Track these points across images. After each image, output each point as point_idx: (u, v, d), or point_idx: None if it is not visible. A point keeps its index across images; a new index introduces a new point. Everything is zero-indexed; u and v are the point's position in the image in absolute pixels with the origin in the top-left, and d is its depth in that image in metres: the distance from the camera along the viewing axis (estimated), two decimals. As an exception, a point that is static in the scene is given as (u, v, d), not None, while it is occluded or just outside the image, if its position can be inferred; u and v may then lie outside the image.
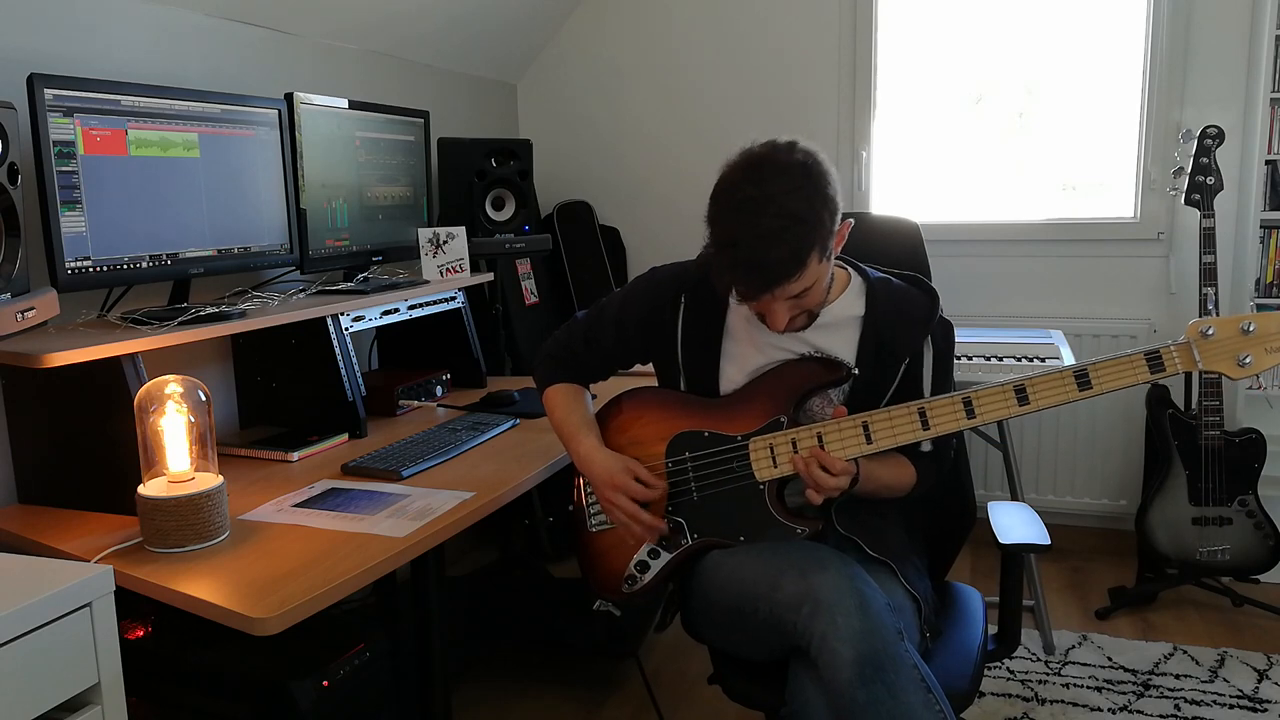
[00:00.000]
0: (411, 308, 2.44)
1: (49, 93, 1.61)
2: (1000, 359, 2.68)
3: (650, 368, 1.75)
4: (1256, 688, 2.39)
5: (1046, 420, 3.29)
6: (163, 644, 1.67)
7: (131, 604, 1.43)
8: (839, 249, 1.53)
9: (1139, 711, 2.30)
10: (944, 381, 1.62)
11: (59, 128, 1.63)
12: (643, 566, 1.62)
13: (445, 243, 2.58)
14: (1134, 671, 2.48)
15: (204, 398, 1.54)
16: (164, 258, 1.85)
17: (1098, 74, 3.23)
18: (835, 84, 3.42)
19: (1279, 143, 2.89)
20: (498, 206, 2.86)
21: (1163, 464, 2.76)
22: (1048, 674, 2.48)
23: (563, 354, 1.78)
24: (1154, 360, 1.43)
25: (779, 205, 1.40)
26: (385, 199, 2.52)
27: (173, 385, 1.52)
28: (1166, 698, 2.36)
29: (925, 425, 1.50)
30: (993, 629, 1.68)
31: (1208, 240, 2.68)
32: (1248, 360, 1.41)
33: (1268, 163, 2.89)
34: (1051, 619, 2.72)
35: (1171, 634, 2.69)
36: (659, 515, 1.60)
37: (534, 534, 3.02)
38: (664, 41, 3.59)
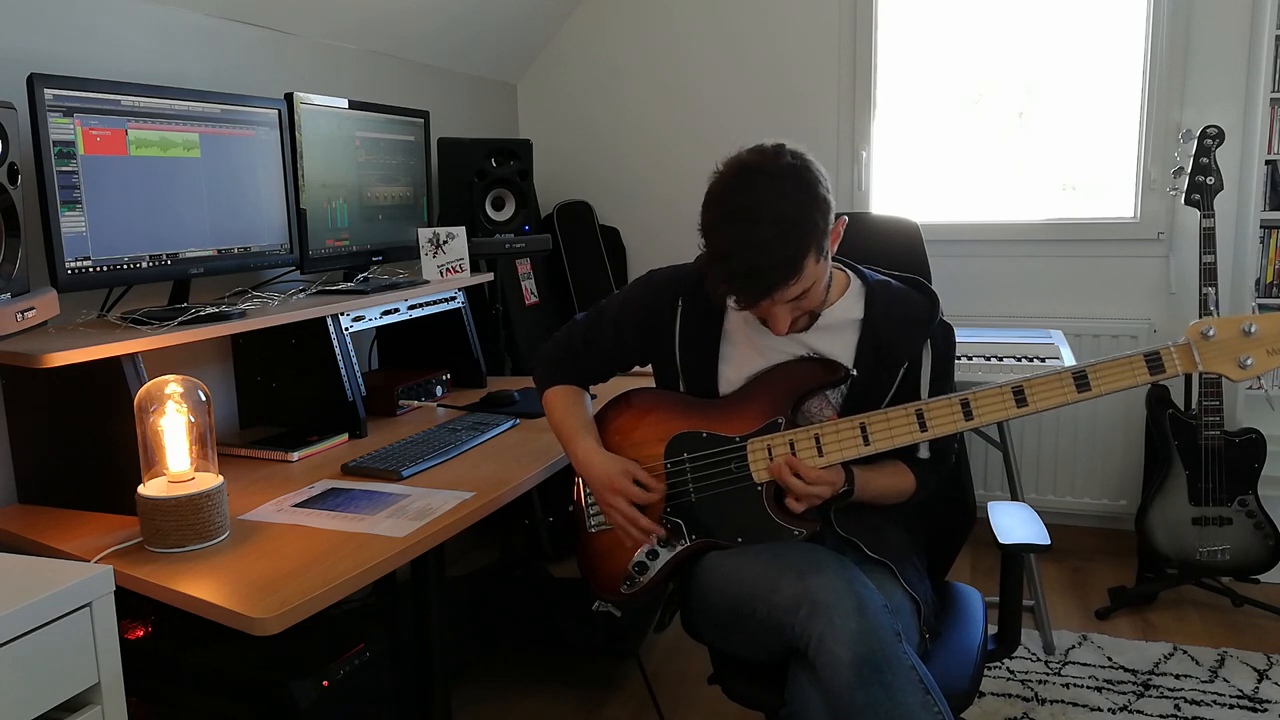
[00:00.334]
0: (411, 308, 2.44)
1: (49, 93, 1.61)
2: (1000, 359, 2.68)
3: (649, 369, 1.75)
4: (1256, 688, 2.39)
5: (1046, 420, 3.29)
6: (163, 644, 1.67)
7: (131, 604, 1.43)
8: (835, 247, 1.53)
9: (1139, 711, 2.30)
10: (943, 384, 1.62)
11: (59, 128, 1.63)
12: (642, 567, 1.62)
13: (445, 243, 2.58)
14: (1134, 671, 2.48)
15: (204, 398, 1.54)
16: (164, 258, 1.85)
17: (1098, 74, 3.22)
18: (835, 84, 3.42)
19: (1279, 143, 2.89)
20: (498, 206, 2.86)
21: (1163, 464, 2.76)
22: (1048, 674, 2.48)
23: (562, 355, 1.78)
24: (1154, 361, 1.43)
25: (771, 212, 1.40)
26: (385, 199, 2.52)
27: (173, 385, 1.52)
28: (1166, 698, 2.36)
29: (923, 427, 1.50)
30: (993, 629, 1.68)
31: (1208, 240, 2.68)
32: (1249, 362, 1.41)
33: (1268, 163, 2.89)
34: (1051, 619, 2.72)
35: (1171, 634, 2.69)
36: (657, 518, 1.60)
37: (534, 534, 3.02)
38: (664, 41, 3.59)
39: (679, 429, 1.62)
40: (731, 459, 1.58)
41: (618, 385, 1.80)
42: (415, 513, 1.62)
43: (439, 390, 2.53)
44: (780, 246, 1.40)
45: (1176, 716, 2.28)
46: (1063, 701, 2.35)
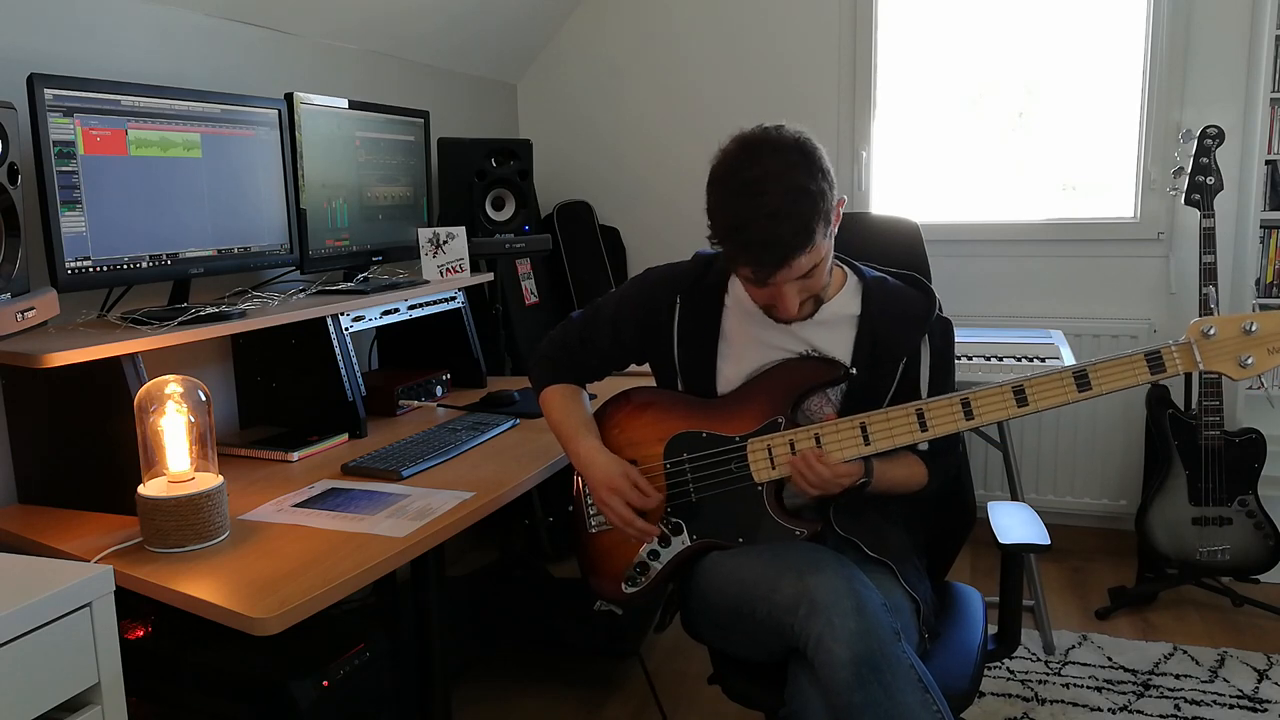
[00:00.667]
0: (411, 308, 2.44)
1: (49, 93, 1.61)
2: (1000, 359, 2.68)
3: (647, 368, 1.75)
4: (1256, 688, 2.39)
5: (1046, 420, 3.29)
6: (163, 644, 1.67)
7: (131, 604, 1.43)
8: (836, 227, 1.53)
9: (1139, 711, 2.30)
10: (943, 380, 1.62)
11: (59, 128, 1.63)
12: (643, 567, 1.62)
13: (445, 243, 2.58)
14: (1134, 671, 2.48)
15: (204, 398, 1.54)
16: (164, 258, 1.85)
17: (1098, 74, 3.22)
18: (835, 84, 3.42)
19: (1279, 143, 2.89)
20: (498, 206, 2.86)
21: (1163, 464, 2.76)
22: (1048, 674, 2.48)
23: (558, 354, 1.78)
24: (1154, 361, 1.42)
25: (781, 181, 1.41)
26: (385, 199, 2.52)
27: (173, 385, 1.52)
28: (1166, 698, 2.36)
29: (924, 426, 1.50)
30: (993, 629, 1.68)
31: (1208, 240, 2.68)
32: (1249, 361, 1.40)
33: (1268, 163, 2.89)
34: (1051, 619, 2.72)
35: (1171, 634, 2.69)
36: (656, 522, 1.60)
37: (534, 534, 3.02)
38: (664, 41, 3.59)
39: (678, 429, 1.62)
40: (731, 459, 1.58)
41: (615, 384, 1.80)
42: (415, 513, 1.62)
43: (439, 390, 2.53)
44: (793, 214, 1.41)
45: (1176, 716, 2.28)
46: (1063, 701, 2.35)
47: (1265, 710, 2.29)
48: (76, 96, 1.66)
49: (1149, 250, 3.21)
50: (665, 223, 3.65)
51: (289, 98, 2.16)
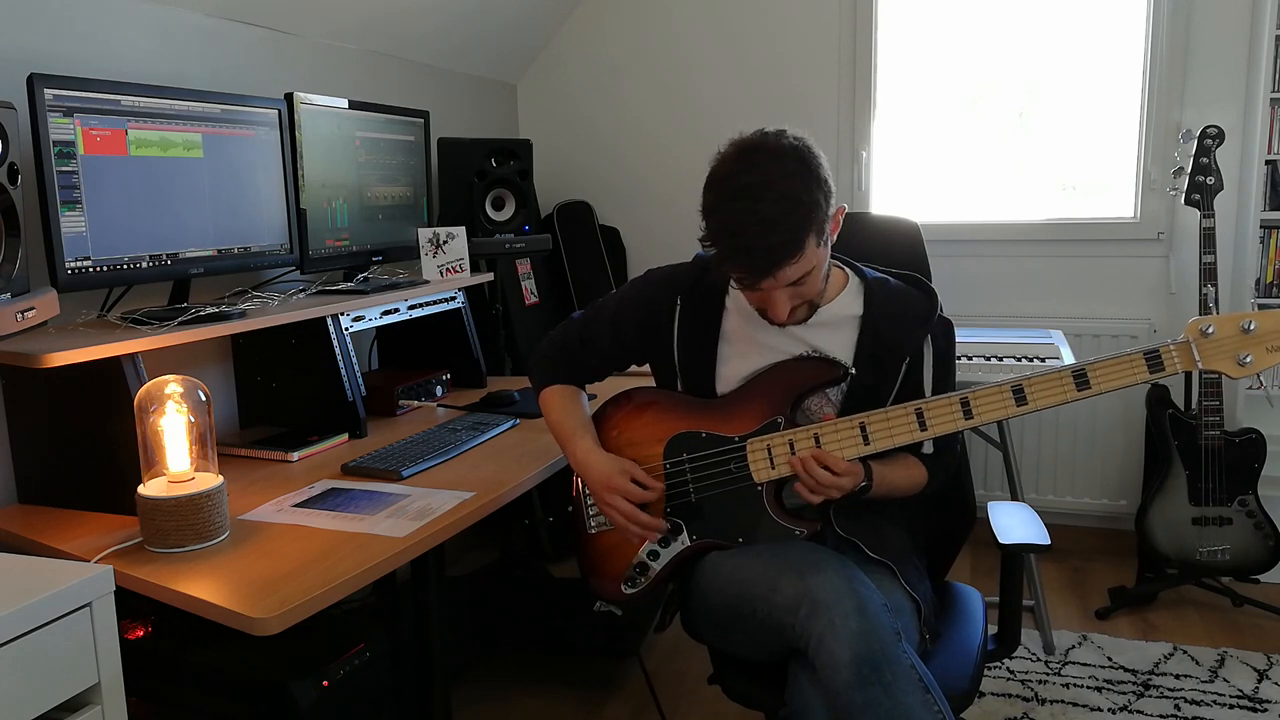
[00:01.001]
0: (411, 308, 2.44)
1: (49, 93, 1.61)
2: (1000, 359, 2.68)
3: (647, 368, 1.75)
4: (1256, 688, 2.39)
5: (1046, 420, 3.29)
6: (163, 644, 1.67)
7: (131, 604, 1.43)
8: (834, 235, 1.53)
9: (1139, 711, 2.30)
10: (945, 381, 1.62)
11: (59, 128, 1.63)
12: (643, 567, 1.62)
13: (445, 243, 2.58)
14: (1134, 671, 2.48)
15: (204, 398, 1.54)
16: (164, 258, 1.85)
17: (1098, 74, 3.22)
18: (835, 84, 3.42)
19: (1279, 143, 2.89)
20: (498, 206, 2.86)
21: (1163, 464, 2.76)
22: (1048, 674, 2.48)
23: (558, 354, 1.78)
24: (1153, 359, 1.42)
25: (775, 189, 1.41)
26: (385, 199, 2.52)
27: (173, 385, 1.52)
28: (1166, 698, 2.36)
29: (923, 426, 1.50)
30: (993, 629, 1.68)
31: (1208, 240, 2.68)
32: (1248, 359, 1.41)
33: (1268, 163, 2.89)
34: (1051, 619, 2.72)
35: (1171, 634, 2.69)
36: (657, 516, 1.60)
37: (534, 534, 3.02)
38: (664, 41, 3.59)
39: (678, 429, 1.62)
40: (731, 459, 1.58)
41: (615, 385, 1.80)
42: (415, 513, 1.62)
43: (439, 390, 2.53)
44: (784, 223, 1.41)
45: (1176, 716, 2.28)
46: (1063, 701, 2.35)
47: (1265, 710, 2.29)
48: (76, 96, 1.66)
49: (1149, 250, 3.21)
50: (665, 223, 3.65)
51: (289, 98, 2.16)
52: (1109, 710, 2.31)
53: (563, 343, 1.78)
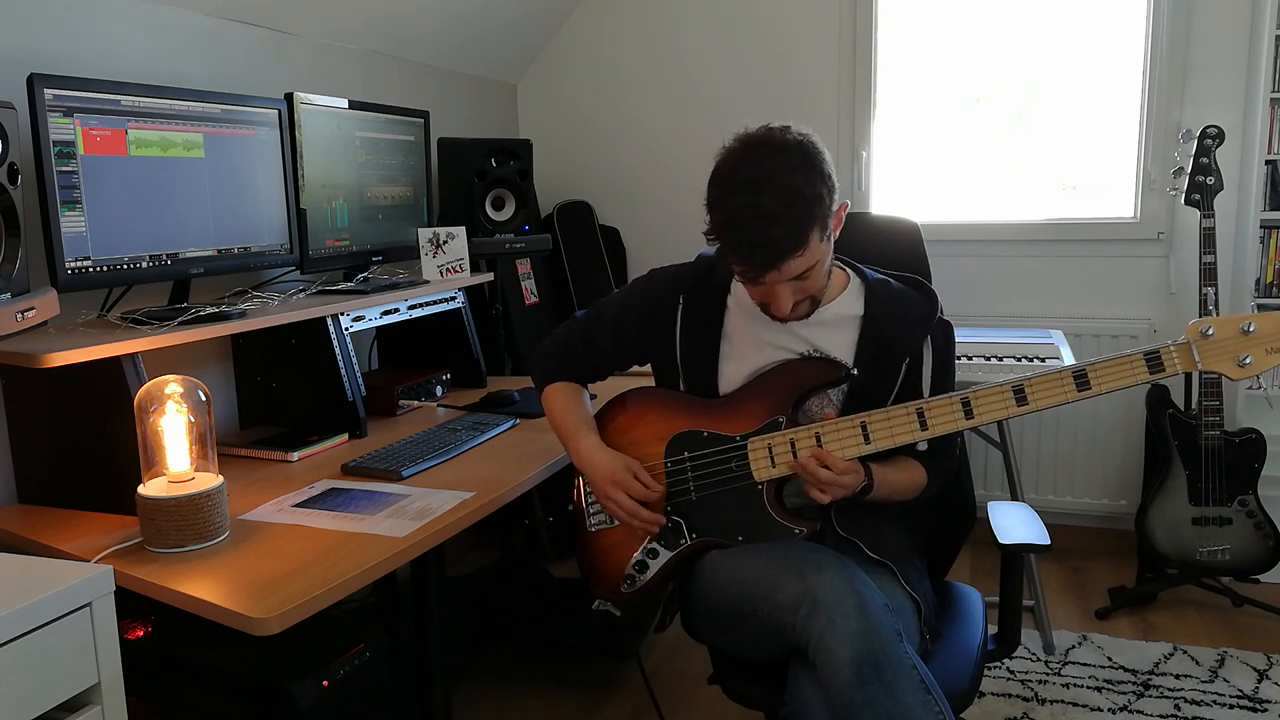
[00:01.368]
0: (411, 308, 2.44)
1: (49, 93, 1.61)
2: (1000, 359, 2.68)
3: (649, 368, 1.75)
4: (1256, 688, 2.39)
5: (1046, 420, 3.29)
6: (163, 644, 1.67)
7: (131, 604, 1.43)
8: (838, 231, 1.53)
9: (1139, 711, 2.30)
10: (944, 382, 1.62)
11: (59, 128, 1.63)
12: (641, 566, 1.62)
13: (445, 243, 2.58)
14: (1134, 671, 2.48)
15: (204, 398, 1.54)
16: (164, 258, 1.85)
17: (1098, 74, 3.22)
18: (835, 84, 3.42)
19: (1279, 143, 2.89)
20: (498, 206, 2.86)
21: (1163, 464, 2.76)
22: (1048, 674, 2.48)
23: (561, 353, 1.78)
24: (1153, 360, 1.43)
25: (779, 184, 1.41)
26: (385, 199, 2.52)
27: (173, 385, 1.52)
28: (1166, 698, 2.36)
29: (924, 426, 1.50)
30: (993, 629, 1.68)
31: (1208, 240, 2.68)
32: (1248, 361, 1.41)
33: (1268, 163, 2.89)
34: (1051, 619, 2.72)
35: (1171, 634, 2.69)
36: (659, 512, 1.60)
37: (534, 534, 3.02)
38: (664, 41, 3.59)
39: (679, 428, 1.62)
40: (732, 458, 1.58)
41: (617, 385, 1.80)
42: (415, 513, 1.62)
43: (439, 390, 2.53)
44: (787, 217, 1.41)
45: (1176, 716, 2.28)
46: (1063, 701, 2.35)
47: (1265, 710, 2.29)
48: (76, 96, 1.66)
49: (1149, 250, 3.21)
50: (665, 223, 3.65)
51: (289, 98, 2.16)
52: (1109, 710, 2.31)
53: (565, 342, 1.78)
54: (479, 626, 2.66)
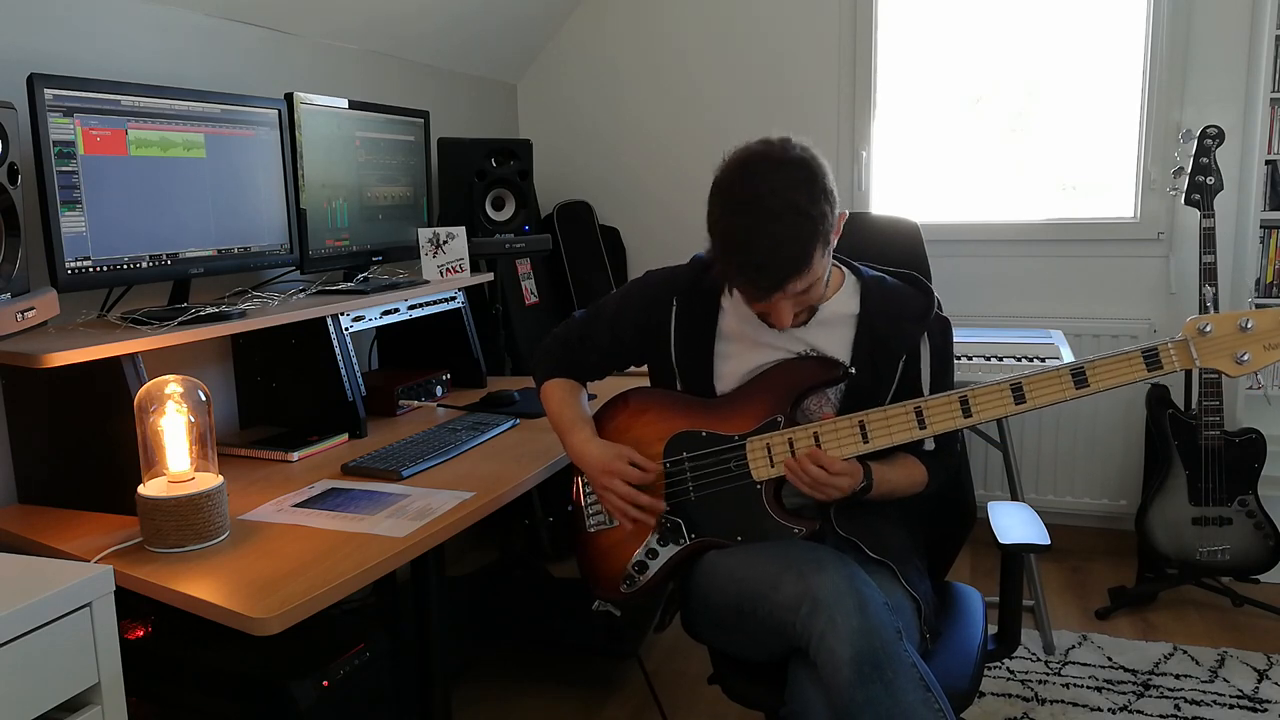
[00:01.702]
0: (411, 308, 2.44)
1: (49, 93, 1.61)
2: (1000, 359, 2.68)
3: (646, 369, 1.75)
4: (1256, 688, 2.39)
5: (1046, 420, 3.29)
6: (163, 644, 1.67)
7: (131, 604, 1.43)
8: (836, 240, 1.53)
9: (1139, 711, 2.30)
10: (943, 379, 1.62)
11: (59, 128, 1.63)
12: (641, 566, 1.62)
13: (445, 243, 2.58)
14: (1134, 671, 2.48)
15: (204, 398, 1.54)
16: (164, 258, 1.85)
17: (1098, 74, 3.22)
18: (835, 84, 3.42)
19: (1279, 143, 2.89)
20: (498, 206, 2.86)
21: (1163, 464, 2.76)
22: (1048, 674, 2.48)
23: (559, 350, 1.79)
24: (1151, 358, 1.43)
25: (782, 201, 1.41)
26: (385, 199, 2.52)
27: (173, 385, 1.52)
28: (1166, 698, 2.36)
29: (922, 424, 1.50)
30: (993, 629, 1.68)
31: (1208, 240, 2.68)
32: (1246, 357, 1.41)
33: (1268, 163, 2.89)
34: (1051, 619, 2.72)
35: (1171, 634, 2.69)
36: (659, 497, 1.60)
37: (534, 534, 3.02)
38: (664, 41, 3.59)
39: (678, 428, 1.62)
40: (731, 458, 1.58)
41: (615, 385, 1.80)
42: (415, 513, 1.62)
43: (439, 390, 2.53)
44: (792, 238, 1.41)
45: (1176, 716, 2.28)
46: (1063, 701, 2.35)
47: (1265, 710, 2.29)
48: (76, 96, 1.66)
49: (1149, 250, 3.21)
50: (665, 223, 3.65)
51: (289, 98, 2.16)
52: (1109, 710, 2.31)
53: (564, 339, 1.79)
54: (479, 626, 2.66)
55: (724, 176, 1.48)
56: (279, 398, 2.24)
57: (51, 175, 1.62)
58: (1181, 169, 2.83)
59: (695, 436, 1.61)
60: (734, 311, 1.64)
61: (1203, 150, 2.71)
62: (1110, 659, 2.54)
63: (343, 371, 2.13)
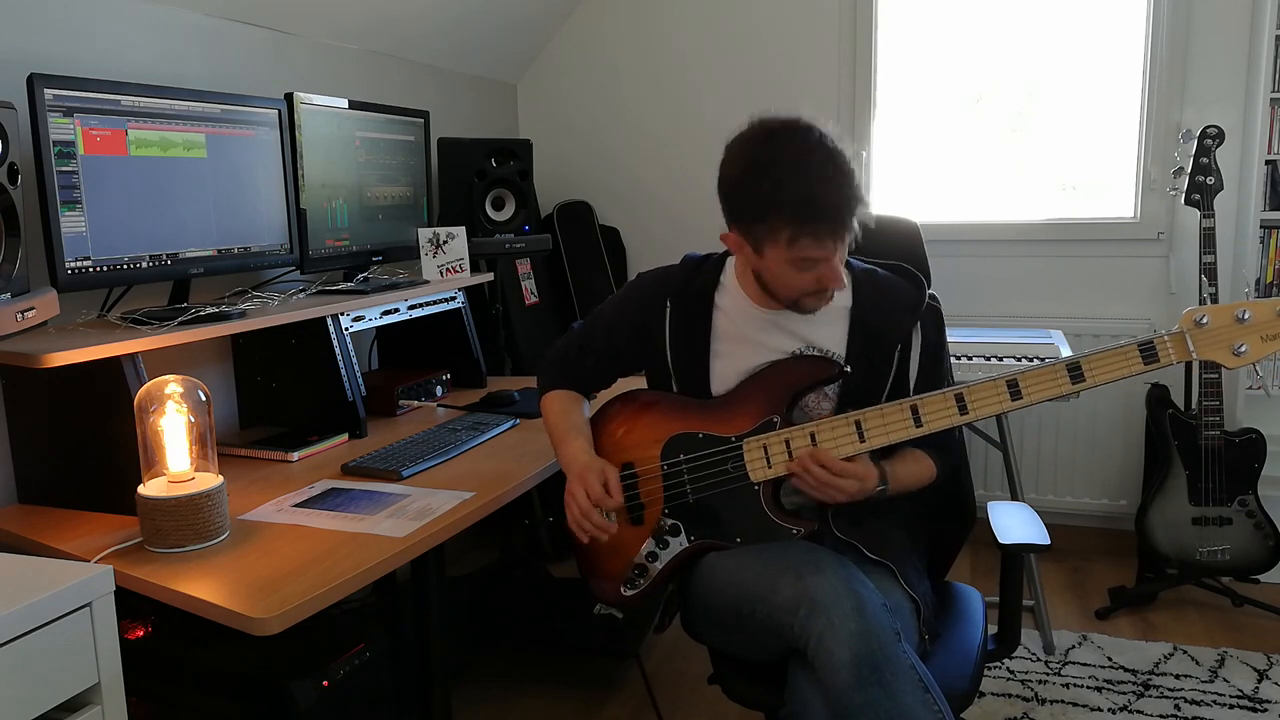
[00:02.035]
0: (411, 308, 2.44)
1: (49, 93, 1.61)
2: (1000, 359, 2.68)
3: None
4: (1256, 688, 2.39)
5: (1046, 420, 3.29)
6: (163, 644, 1.67)
7: (131, 604, 1.43)
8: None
9: (1139, 711, 2.30)
10: (935, 368, 1.62)
11: (59, 128, 1.63)
12: (640, 569, 1.62)
13: (445, 243, 2.58)
14: (1134, 671, 2.48)
15: (204, 398, 1.54)
16: (164, 258, 1.85)
17: (1098, 74, 3.22)
18: (835, 84, 3.42)
19: (1279, 143, 2.89)
20: (498, 206, 2.86)
21: (1163, 464, 2.76)
22: (1048, 674, 2.48)
23: (559, 361, 1.80)
24: (1147, 351, 1.42)
25: (831, 144, 1.43)
26: (385, 199, 2.52)
27: (173, 385, 1.52)
28: (1166, 698, 2.36)
29: (918, 422, 1.50)
30: (993, 629, 1.68)
31: (1208, 240, 2.68)
32: (1243, 349, 1.40)
33: (1268, 163, 2.89)
34: (1051, 619, 2.72)
35: (1171, 634, 2.69)
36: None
37: (534, 534, 3.02)
38: (663, 42, 3.59)
39: (675, 430, 1.62)
40: (728, 459, 1.58)
41: (615, 387, 1.80)
42: (415, 513, 1.62)
43: (439, 390, 2.53)
44: (850, 178, 1.42)
45: (1176, 716, 2.28)
46: (1063, 701, 2.35)
47: (1265, 710, 2.29)
48: (76, 96, 1.66)
49: (1149, 250, 3.21)
50: (665, 223, 3.65)
51: (289, 98, 2.16)
52: (1109, 710, 2.31)
53: (564, 350, 1.80)
54: (479, 626, 2.66)
55: (762, 143, 1.46)
56: (279, 398, 2.24)
57: (51, 175, 1.62)
58: (1181, 169, 2.83)
59: (692, 438, 1.61)
60: (728, 311, 1.64)
61: (1203, 150, 2.71)
62: (1110, 659, 2.54)
63: (343, 371, 2.13)
